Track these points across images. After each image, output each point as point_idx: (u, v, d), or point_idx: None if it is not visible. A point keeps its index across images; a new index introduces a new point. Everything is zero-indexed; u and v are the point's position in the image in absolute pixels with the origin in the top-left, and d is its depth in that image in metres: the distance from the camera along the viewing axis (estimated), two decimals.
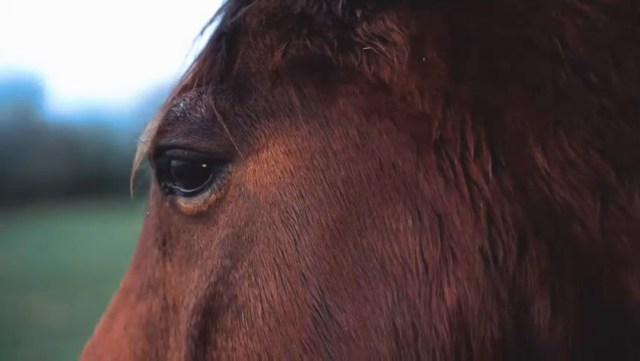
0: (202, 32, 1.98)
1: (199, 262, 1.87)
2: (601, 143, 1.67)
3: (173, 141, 1.86)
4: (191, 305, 1.86)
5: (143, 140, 1.94)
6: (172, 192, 1.92)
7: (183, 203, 1.89)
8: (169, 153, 1.87)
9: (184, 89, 1.92)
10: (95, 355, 2.10)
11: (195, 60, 1.96)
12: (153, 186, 2.01)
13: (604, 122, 1.67)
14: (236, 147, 1.80)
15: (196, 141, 1.84)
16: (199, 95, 1.86)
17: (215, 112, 1.82)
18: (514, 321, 1.67)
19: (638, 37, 1.70)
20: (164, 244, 1.96)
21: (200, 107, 1.85)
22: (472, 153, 1.71)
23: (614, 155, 1.67)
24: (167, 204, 1.94)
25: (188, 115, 1.85)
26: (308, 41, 1.81)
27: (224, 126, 1.81)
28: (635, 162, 1.66)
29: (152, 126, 1.93)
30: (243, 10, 1.91)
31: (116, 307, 2.10)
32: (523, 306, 1.67)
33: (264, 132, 1.80)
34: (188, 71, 1.96)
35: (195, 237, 1.89)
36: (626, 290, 1.65)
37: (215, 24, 2.00)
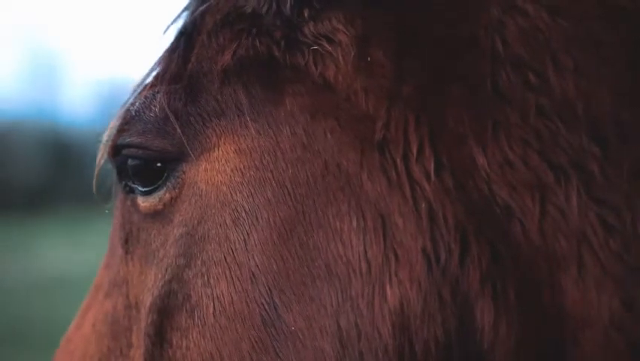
0: (166, 31, 2.00)
1: (156, 261, 1.93)
2: (539, 143, 1.70)
3: (128, 140, 1.91)
4: (148, 303, 1.93)
5: (105, 139, 1.96)
6: (132, 190, 1.98)
7: (141, 202, 1.94)
8: (125, 151, 1.93)
9: (144, 88, 1.95)
10: (68, 350, 2.18)
11: (157, 59, 1.98)
12: (116, 185, 2.03)
13: (542, 123, 1.70)
14: (188, 147, 1.83)
15: (150, 139, 1.89)
16: (154, 95, 1.91)
17: (168, 111, 1.86)
18: (457, 322, 1.70)
19: (578, 37, 1.73)
20: (126, 242, 2.03)
21: (154, 106, 1.90)
22: (414, 153, 1.74)
23: (551, 156, 1.70)
24: (128, 202, 2.01)
25: (142, 114, 1.91)
26: (257, 41, 1.86)
27: (176, 125, 1.86)
28: (571, 163, 1.69)
29: (113, 125, 1.95)
30: (202, 8, 1.93)
31: (88, 305, 2.17)
32: (466, 307, 1.70)
33: (215, 131, 1.85)
34: (149, 69, 1.98)
35: (152, 235, 1.95)
36: (564, 291, 1.68)
37: (180, 22, 2.00)
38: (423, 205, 1.72)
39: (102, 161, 2.04)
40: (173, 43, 1.98)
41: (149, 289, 1.93)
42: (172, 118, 1.86)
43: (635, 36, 1.71)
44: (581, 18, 1.73)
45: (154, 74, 1.97)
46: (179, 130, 1.86)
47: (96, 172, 2.08)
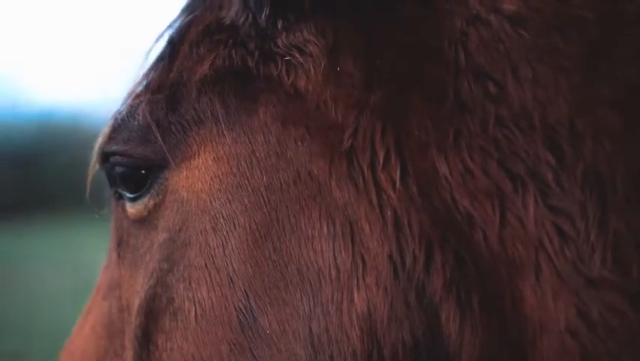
0: (159, 39, 2.04)
1: (143, 265, 2.01)
2: (498, 153, 1.74)
3: (114, 147, 1.99)
4: (136, 306, 1.99)
5: (97, 146, 2.02)
6: (121, 197, 2.05)
7: (129, 208, 2.03)
8: (112, 159, 2.01)
9: (132, 96, 2.00)
10: (70, 351, 2.29)
11: (147, 68, 2.03)
12: (109, 191, 2.09)
13: (500, 132, 1.74)
14: (168, 155, 1.88)
15: (133, 147, 1.96)
16: (138, 104, 1.97)
17: (149, 120, 1.92)
18: (424, 327, 1.75)
19: (538, 47, 1.76)
20: (118, 246, 2.12)
21: (137, 115, 1.97)
22: (381, 161, 1.79)
23: (510, 165, 1.73)
24: (119, 208, 2.06)
25: (127, 122, 1.99)
26: (233, 51, 1.92)
27: (157, 134, 1.91)
28: (528, 172, 1.72)
29: (103, 132, 2.01)
30: (188, 19, 1.98)
31: (90, 306, 2.26)
32: (432, 312, 1.74)
33: (195, 140, 1.91)
34: (140, 78, 2.03)
35: (140, 241, 2.03)
36: (523, 298, 1.71)
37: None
38: (388, 212, 1.76)
39: (95, 168, 2.09)
40: (161, 53, 2.03)
41: (137, 292, 2.02)
42: (153, 127, 1.93)
43: (593, 45, 1.74)
44: (542, 28, 1.76)
45: (139, 82, 2.02)
46: (159, 139, 1.92)
47: (89, 179, 2.14)
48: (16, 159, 24.28)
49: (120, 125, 2.00)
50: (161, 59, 2.03)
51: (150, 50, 2.08)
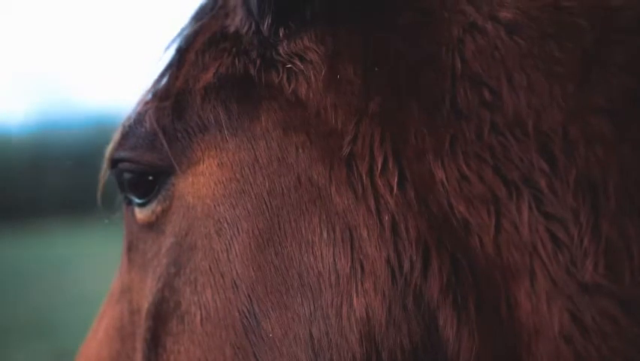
0: (169, 47, 2.07)
1: (151, 269, 2.05)
2: (493, 159, 1.76)
3: (122, 154, 2.02)
4: (145, 310, 2.01)
5: (107, 152, 2.05)
6: (130, 202, 2.05)
7: (138, 213, 2.06)
8: (120, 165, 2.06)
9: (141, 103, 2.03)
10: (85, 355, 2.32)
11: (157, 75, 2.05)
12: (120, 197, 2.13)
13: (495, 139, 1.76)
14: (174, 161, 1.91)
15: (140, 154, 2.00)
16: (146, 111, 1.98)
17: (156, 127, 1.95)
18: (423, 332, 1.77)
19: (533, 55, 1.77)
20: (129, 251, 2.16)
21: (145, 122, 2.00)
22: (379, 167, 1.81)
23: (504, 171, 1.75)
24: (129, 213, 2.08)
25: (135, 129, 2.02)
26: (236, 60, 1.96)
27: (163, 141, 1.93)
28: (522, 178, 1.73)
29: (114, 139, 2.04)
30: (195, 27, 2.01)
31: (103, 310, 2.29)
32: (430, 317, 1.77)
33: (200, 146, 1.95)
34: (150, 85, 2.05)
35: (148, 245, 2.07)
36: (518, 303, 1.73)
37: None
38: (386, 218, 1.79)
39: (106, 174, 2.13)
40: (169, 61, 2.06)
41: (146, 296, 2.06)
42: (160, 134, 1.97)
43: (588, 53, 1.75)
44: (538, 36, 1.77)
45: (149, 89, 2.05)
46: (165, 146, 1.96)
47: (100, 184, 2.17)
48: (71, 161, 24.64)
49: (128, 132, 2.04)
50: (169, 66, 2.07)
51: (160, 58, 2.12)
